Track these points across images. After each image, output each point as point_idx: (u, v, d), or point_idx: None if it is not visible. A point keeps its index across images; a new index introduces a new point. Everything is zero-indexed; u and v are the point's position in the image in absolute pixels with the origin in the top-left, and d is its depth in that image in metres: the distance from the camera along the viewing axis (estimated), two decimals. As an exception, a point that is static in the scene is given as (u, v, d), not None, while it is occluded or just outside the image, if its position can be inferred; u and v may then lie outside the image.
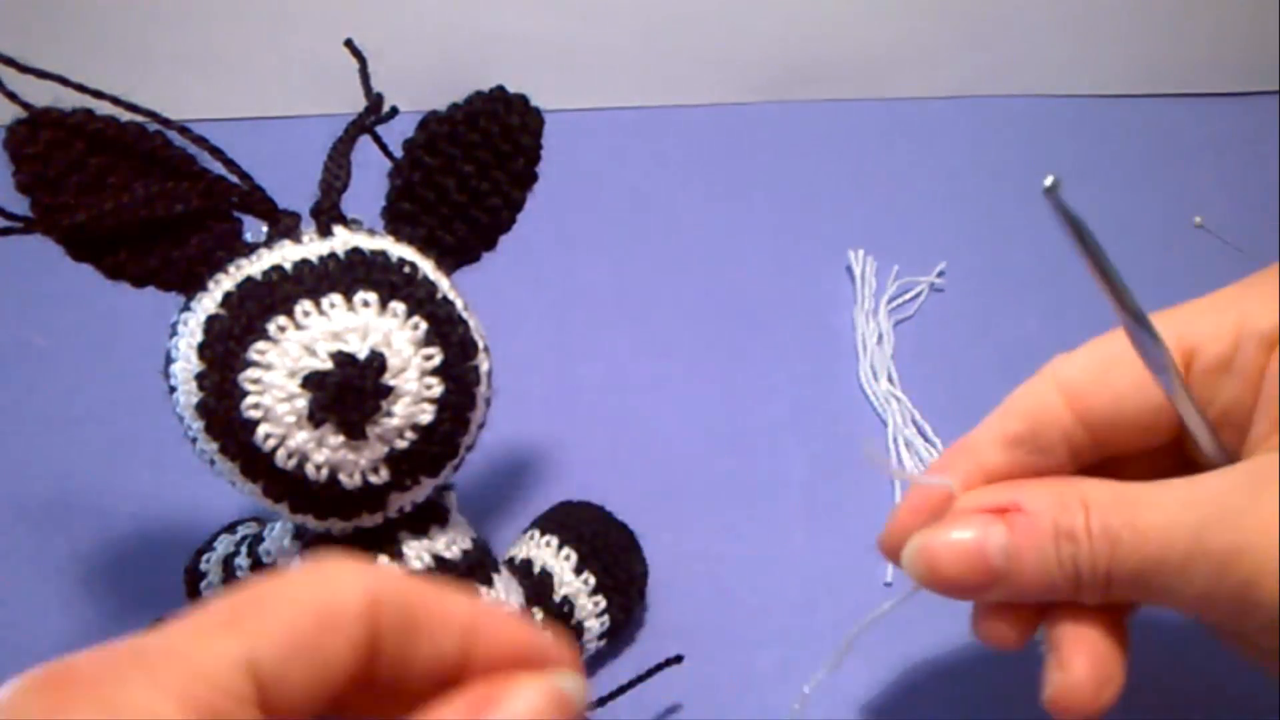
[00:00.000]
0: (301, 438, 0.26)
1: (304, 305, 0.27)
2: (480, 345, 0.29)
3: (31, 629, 0.38)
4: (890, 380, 0.47)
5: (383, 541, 0.30)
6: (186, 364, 0.27)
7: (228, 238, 0.29)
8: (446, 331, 0.28)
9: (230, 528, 0.37)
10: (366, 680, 0.18)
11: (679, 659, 0.36)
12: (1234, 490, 0.23)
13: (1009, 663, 0.38)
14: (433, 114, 0.30)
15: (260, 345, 0.26)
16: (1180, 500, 0.23)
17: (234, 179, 0.29)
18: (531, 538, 0.37)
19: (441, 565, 0.30)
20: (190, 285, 0.28)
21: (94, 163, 0.27)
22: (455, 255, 0.31)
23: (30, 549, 0.40)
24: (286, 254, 0.28)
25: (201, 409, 0.27)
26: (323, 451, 0.27)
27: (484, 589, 0.31)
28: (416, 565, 0.30)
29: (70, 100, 0.27)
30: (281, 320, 0.27)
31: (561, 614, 0.35)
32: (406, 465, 0.28)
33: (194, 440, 0.28)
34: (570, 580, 0.36)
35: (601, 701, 0.34)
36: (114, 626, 0.37)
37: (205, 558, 0.36)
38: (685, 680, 0.36)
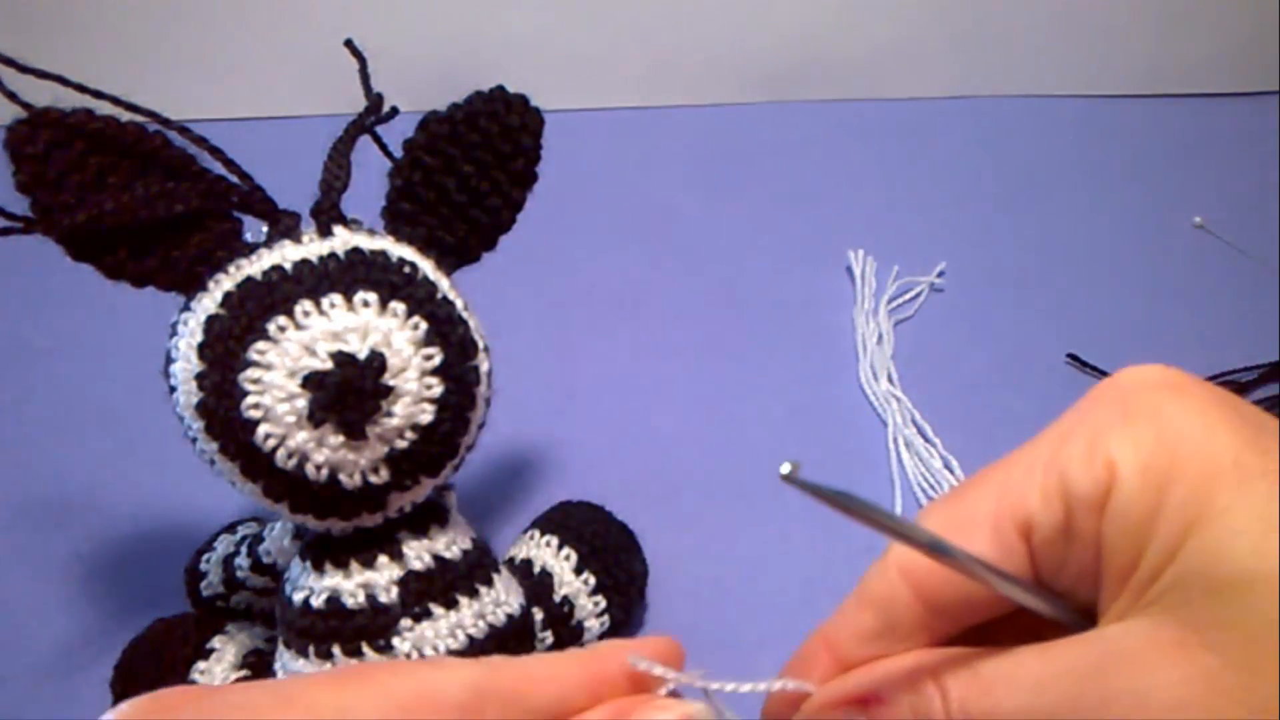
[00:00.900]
0: (301, 438, 0.26)
1: (304, 305, 0.27)
2: (480, 345, 0.29)
3: (31, 629, 0.38)
4: (890, 380, 0.47)
5: (383, 541, 0.30)
6: (186, 364, 0.27)
7: (228, 238, 0.29)
8: (446, 331, 0.28)
9: (230, 528, 0.37)
10: None
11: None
12: (1086, 670, 0.22)
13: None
14: (433, 114, 0.30)
15: (260, 345, 0.26)
16: (1037, 676, 0.22)
17: (234, 179, 0.29)
18: (531, 538, 0.37)
19: (441, 565, 0.30)
20: (190, 285, 0.28)
21: (94, 163, 0.26)
22: (455, 255, 0.31)
23: (30, 549, 0.40)
24: (286, 254, 0.28)
25: (201, 409, 0.27)
26: (323, 451, 0.27)
27: (484, 588, 0.31)
28: (417, 565, 0.30)
29: (70, 100, 0.27)
30: (281, 320, 0.26)
31: (561, 614, 0.35)
32: (406, 465, 0.28)
33: (194, 440, 0.28)
34: (570, 580, 0.36)
35: None
36: (114, 626, 0.37)
37: (205, 558, 0.35)
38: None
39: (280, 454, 0.27)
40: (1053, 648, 0.23)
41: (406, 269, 0.28)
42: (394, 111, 0.32)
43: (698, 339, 0.50)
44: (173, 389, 0.28)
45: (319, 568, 0.29)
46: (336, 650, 0.29)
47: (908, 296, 0.52)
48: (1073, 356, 0.47)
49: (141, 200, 0.27)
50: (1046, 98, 0.63)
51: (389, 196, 0.31)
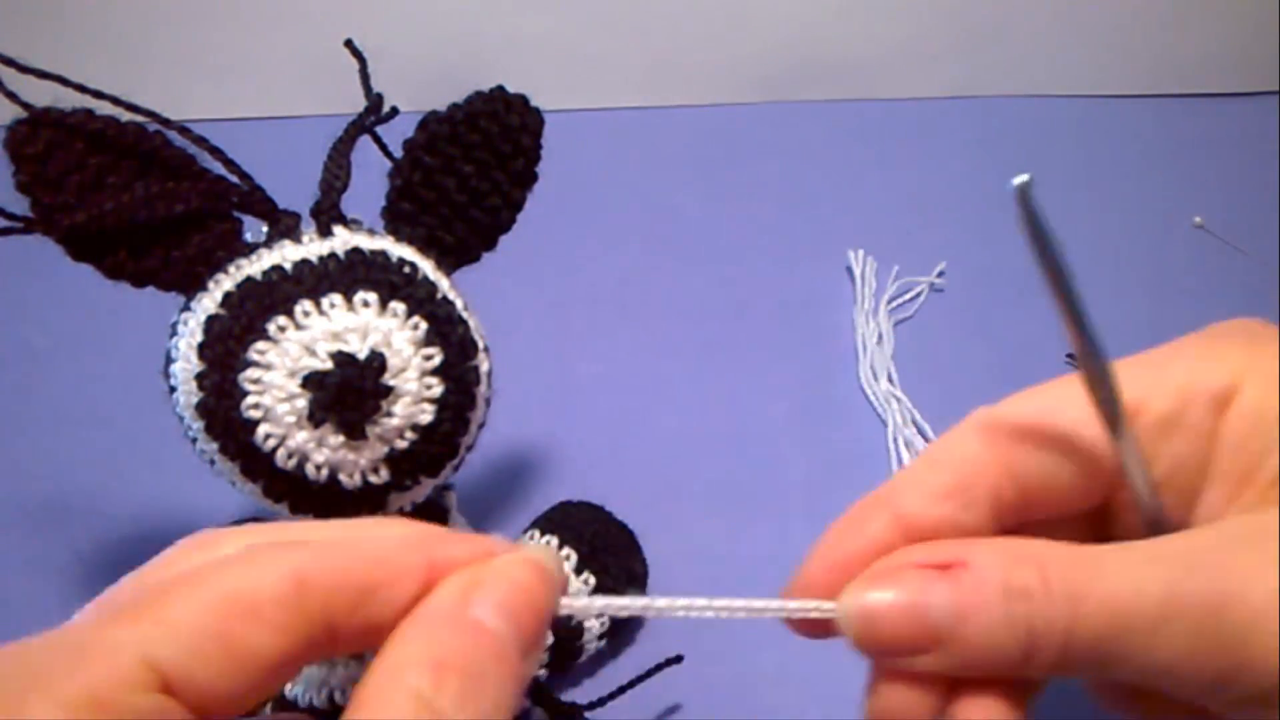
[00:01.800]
0: (301, 438, 0.26)
1: (304, 305, 0.27)
2: (480, 345, 0.29)
3: (31, 629, 0.38)
4: (890, 380, 0.47)
5: None
6: (186, 364, 0.27)
7: (228, 238, 0.29)
8: (446, 331, 0.28)
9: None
10: (328, 645, 0.18)
11: (679, 659, 0.36)
12: (1211, 546, 0.21)
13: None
14: (433, 114, 0.30)
15: (260, 345, 0.26)
16: (1149, 555, 0.21)
17: (234, 179, 0.29)
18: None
19: None
20: (190, 285, 0.28)
21: (94, 163, 0.26)
22: (455, 255, 0.31)
23: (30, 549, 0.40)
24: (286, 254, 0.28)
25: (201, 409, 0.27)
26: (323, 451, 0.27)
27: None
28: None
29: (70, 100, 0.27)
30: (281, 320, 0.26)
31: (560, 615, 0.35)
32: (406, 465, 0.28)
33: (194, 440, 0.28)
34: (570, 580, 0.36)
35: (601, 701, 0.34)
36: (114, 626, 0.37)
37: (205, 558, 0.36)
38: (685, 680, 0.36)
39: (280, 454, 0.27)
40: (1166, 536, 0.22)
41: (406, 269, 0.28)
42: (394, 111, 0.32)
43: (698, 339, 0.50)
44: (173, 389, 0.28)
45: None
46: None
47: (908, 296, 0.52)
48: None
49: (141, 200, 0.27)
50: (1046, 98, 0.63)
51: (389, 196, 0.30)
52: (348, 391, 0.26)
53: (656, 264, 0.53)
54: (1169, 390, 0.23)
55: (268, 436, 0.26)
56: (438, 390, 0.28)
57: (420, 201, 0.30)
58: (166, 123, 0.28)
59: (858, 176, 0.58)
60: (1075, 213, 0.58)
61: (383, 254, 0.28)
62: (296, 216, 0.29)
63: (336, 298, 0.27)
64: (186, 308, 0.28)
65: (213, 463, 0.28)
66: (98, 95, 0.27)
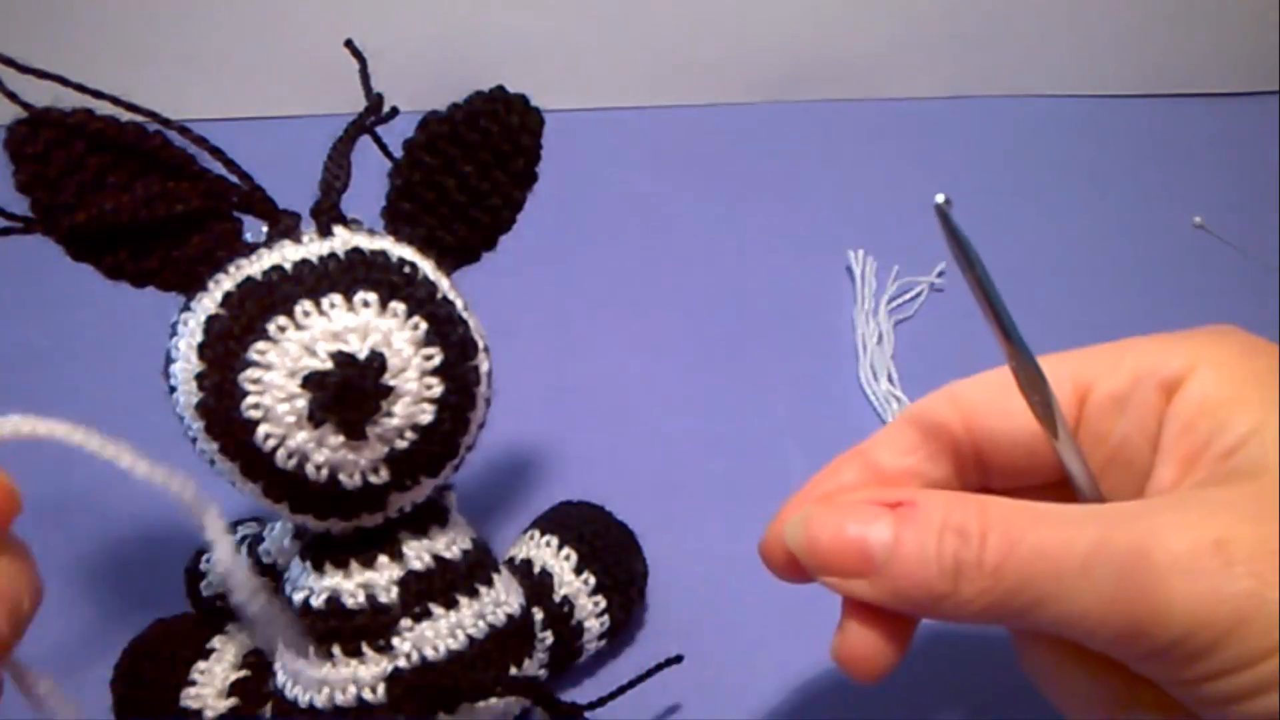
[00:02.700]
0: (301, 438, 0.26)
1: (304, 305, 0.27)
2: (480, 345, 0.29)
3: (31, 629, 0.38)
4: (890, 380, 0.47)
5: (383, 541, 0.30)
6: (186, 364, 0.27)
7: (228, 237, 0.29)
8: (446, 331, 0.28)
9: (230, 528, 0.37)
10: None
11: (679, 659, 0.36)
12: (1144, 507, 0.22)
13: (1008, 663, 0.38)
14: (433, 114, 0.30)
15: (260, 345, 0.26)
16: (1085, 512, 0.22)
17: (234, 179, 0.29)
18: (531, 538, 0.37)
19: (441, 565, 0.30)
20: (190, 285, 0.28)
21: (94, 163, 0.26)
22: (455, 255, 0.31)
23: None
24: (286, 254, 0.28)
25: (201, 409, 0.27)
26: (323, 451, 0.27)
27: (484, 589, 0.31)
28: (417, 565, 0.30)
29: (70, 100, 0.27)
30: (281, 320, 0.26)
31: (562, 614, 0.35)
32: (406, 465, 0.28)
33: (194, 440, 0.28)
34: (570, 580, 0.35)
35: (601, 701, 0.34)
36: (114, 626, 0.37)
37: (205, 558, 0.35)
38: (685, 680, 0.36)
39: (280, 454, 0.27)
40: (1104, 505, 0.23)
41: (406, 269, 0.28)
42: (394, 111, 0.32)
43: (698, 339, 0.50)
44: (172, 389, 0.28)
45: (319, 568, 0.29)
46: (337, 650, 0.29)
47: (908, 296, 0.52)
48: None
49: (141, 200, 0.27)
50: (1046, 98, 0.63)
51: (389, 196, 0.30)
52: (348, 391, 0.26)
53: (656, 264, 0.53)
54: (1122, 372, 0.25)
55: (268, 436, 0.26)
56: (438, 390, 0.28)
57: (420, 201, 0.30)
58: (166, 123, 0.28)
59: (858, 176, 0.58)
60: (1075, 213, 0.58)
61: (383, 254, 0.28)
62: (297, 216, 0.29)
63: (336, 298, 0.27)
64: (186, 308, 0.28)
65: (213, 463, 0.28)
66: (97, 95, 0.27)
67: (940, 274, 0.52)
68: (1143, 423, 0.25)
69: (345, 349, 0.26)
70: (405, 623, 0.29)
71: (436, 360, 0.28)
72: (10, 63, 0.26)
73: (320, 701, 0.30)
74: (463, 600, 0.30)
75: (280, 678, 0.31)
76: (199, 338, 0.27)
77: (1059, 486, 0.26)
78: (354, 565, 0.29)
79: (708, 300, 0.51)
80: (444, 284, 0.29)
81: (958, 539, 0.23)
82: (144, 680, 0.33)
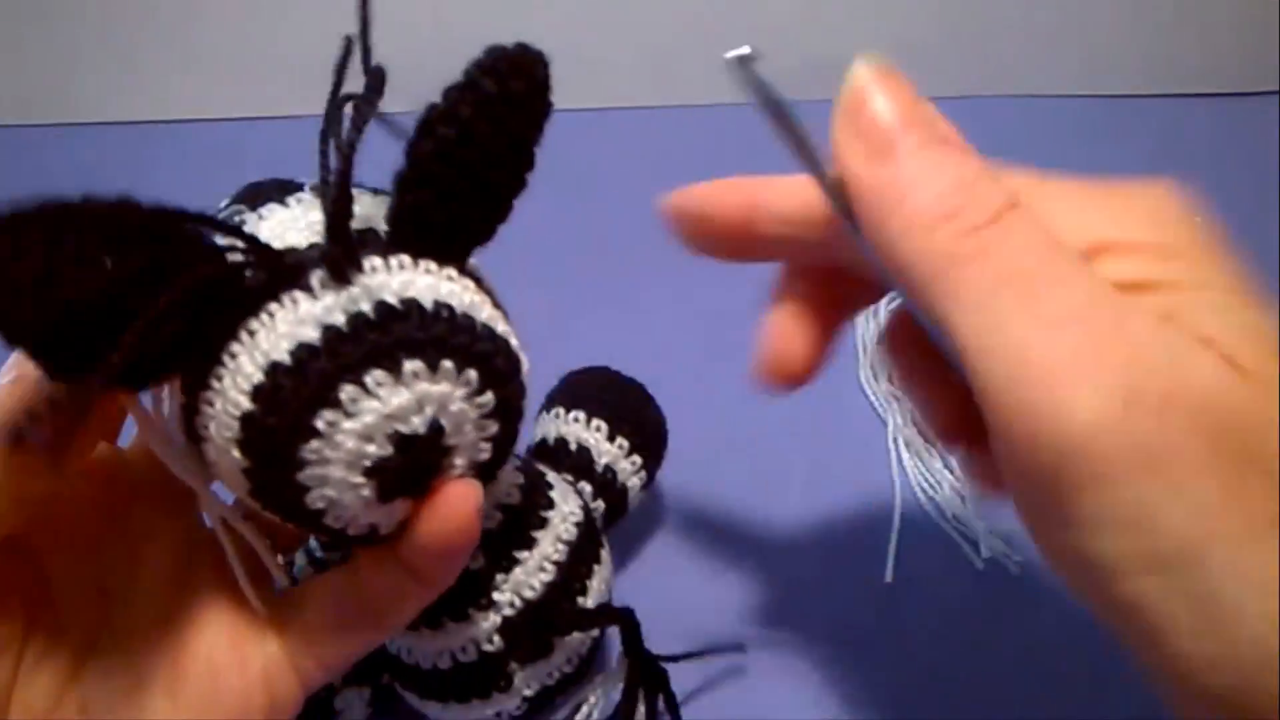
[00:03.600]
0: (370, 515, 0.25)
1: (348, 391, 0.23)
2: (519, 354, 0.27)
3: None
4: (890, 380, 0.47)
5: None
6: (226, 455, 0.24)
7: (232, 294, 0.24)
8: (495, 368, 0.26)
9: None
10: None
11: (742, 648, 0.38)
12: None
13: (1008, 664, 0.38)
14: (437, 112, 0.25)
15: (314, 445, 0.24)
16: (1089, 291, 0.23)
17: (233, 241, 0.23)
18: (557, 415, 0.39)
19: (509, 513, 0.32)
20: (198, 360, 0.24)
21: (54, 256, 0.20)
22: (471, 242, 0.27)
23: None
24: (303, 314, 0.23)
25: (255, 495, 0.25)
26: (391, 515, 0.26)
27: (549, 513, 0.33)
28: (489, 525, 0.31)
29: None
30: (329, 415, 0.23)
31: (607, 481, 0.38)
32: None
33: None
34: (608, 449, 0.38)
35: (672, 657, 0.36)
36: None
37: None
38: (685, 680, 0.36)
39: (350, 529, 0.26)
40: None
41: (444, 313, 0.25)
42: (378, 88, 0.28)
43: (697, 339, 0.50)
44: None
45: None
46: (446, 620, 0.31)
47: (908, 296, 0.52)
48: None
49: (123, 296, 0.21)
50: (1046, 98, 0.63)
51: (399, 213, 0.26)
52: (414, 469, 0.25)
53: (657, 264, 0.53)
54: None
55: (337, 519, 0.25)
56: (494, 429, 0.26)
57: (434, 210, 0.25)
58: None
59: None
60: (1075, 213, 0.58)
61: (415, 304, 0.24)
62: (302, 265, 0.24)
63: (381, 374, 0.24)
64: (204, 384, 0.24)
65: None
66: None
67: (940, 274, 0.52)
68: None
69: (404, 430, 0.24)
70: (499, 577, 0.31)
71: (491, 404, 0.26)
72: None
73: (443, 664, 0.32)
74: (537, 534, 0.32)
75: (392, 647, 0.33)
76: (235, 433, 0.24)
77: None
78: None
79: (708, 300, 0.51)
80: (472, 300, 0.26)
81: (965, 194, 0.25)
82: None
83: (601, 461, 0.38)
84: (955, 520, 0.42)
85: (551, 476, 0.35)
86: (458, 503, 0.26)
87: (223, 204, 0.27)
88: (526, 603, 0.32)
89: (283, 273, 0.24)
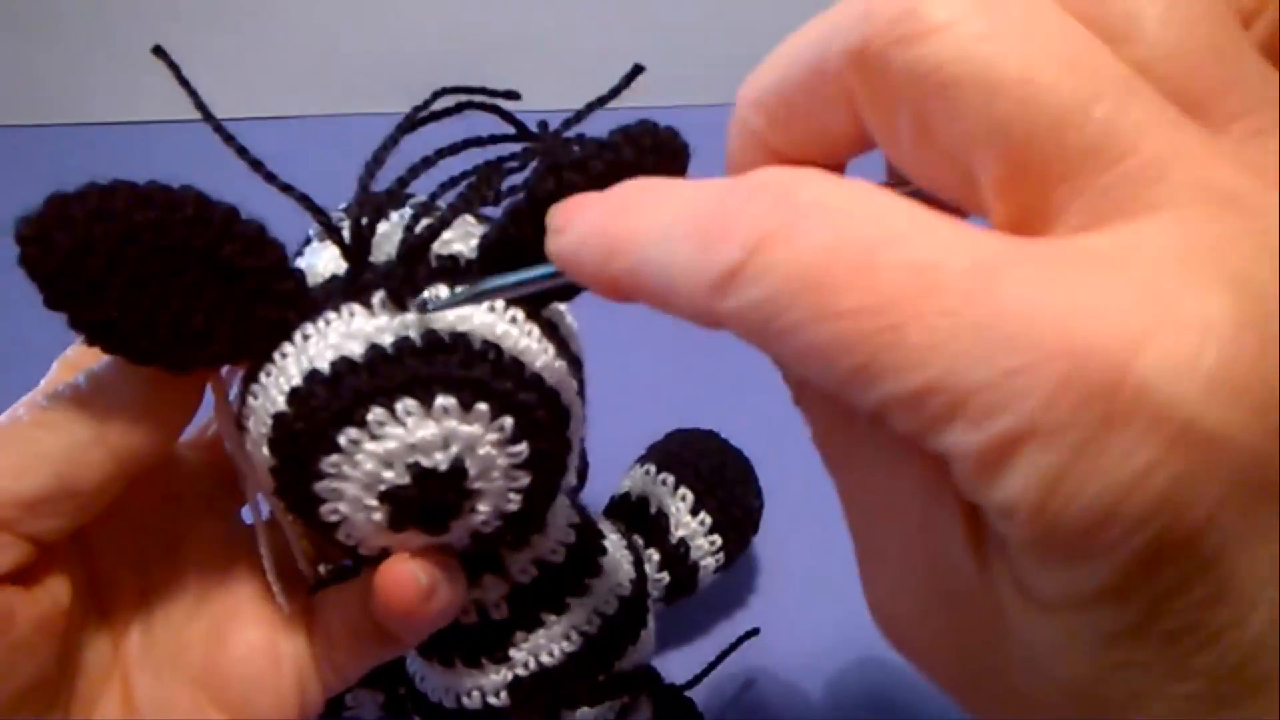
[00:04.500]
0: (381, 539, 0.25)
1: (377, 413, 0.23)
2: (569, 405, 0.26)
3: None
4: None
5: (485, 560, 0.29)
6: (260, 451, 0.25)
7: (292, 298, 0.24)
8: (535, 420, 0.25)
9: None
10: None
11: (756, 632, 0.36)
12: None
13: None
14: (569, 160, 0.24)
15: (333, 459, 0.24)
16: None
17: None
18: (647, 473, 0.37)
19: (546, 571, 0.30)
20: (255, 355, 0.25)
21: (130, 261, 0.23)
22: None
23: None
24: (354, 329, 0.24)
25: (278, 494, 0.26)
26: (404, 544, 0.26)
27: (593, 581, 0.31)
28: (523, 579, 0.30)
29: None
30: (353, 433, 0.24)
31: (678, 555, 0.35)
32: (492, 541, 0.27)
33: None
34: (687, 521, 0.36)
35: (696, 679, 0.35)
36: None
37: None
38: (685, 679, 0.36)
39: (362, 549, 0.26)
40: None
41: (491, 354, 0.24)
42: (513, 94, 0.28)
43: (697, 339, 0.50)
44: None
45: None
46: (458, 661, 0.30)
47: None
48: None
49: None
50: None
51: (495, 241, 0.25)
52: (429, 505, 0.25)
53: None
54: None
55: (348, 536, 0.26)
56: (524, 481, 0.26)
57: (529, 249, 0.23)
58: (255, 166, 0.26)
59: (857, 176, 0.58)
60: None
61: (464, 339, 0.24)
62: (372, 283, 0.24)
63: (412, 404, 0.24)
64: (254, 378, 0.25)
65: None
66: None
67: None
68: None
69: (425, 463, 0.24)
70: (519, 634, 0.29)
71: (524, 454, 0.25)
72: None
73: (448, 703, 0.30)
74: (572, 601, 0.30)
75: (411, 665, 0.32)
76: (268, 430, 0.24)
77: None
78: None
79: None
80: (528, 346, 0.25)
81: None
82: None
83: (677, 534, 0.35)
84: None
85: (611, 541, 0.33)
86: (392, 587, 0.25)
87: (339, 207, 0.28)
88: (542, 667, 0.30)
89: (351, 284, 0.24)
